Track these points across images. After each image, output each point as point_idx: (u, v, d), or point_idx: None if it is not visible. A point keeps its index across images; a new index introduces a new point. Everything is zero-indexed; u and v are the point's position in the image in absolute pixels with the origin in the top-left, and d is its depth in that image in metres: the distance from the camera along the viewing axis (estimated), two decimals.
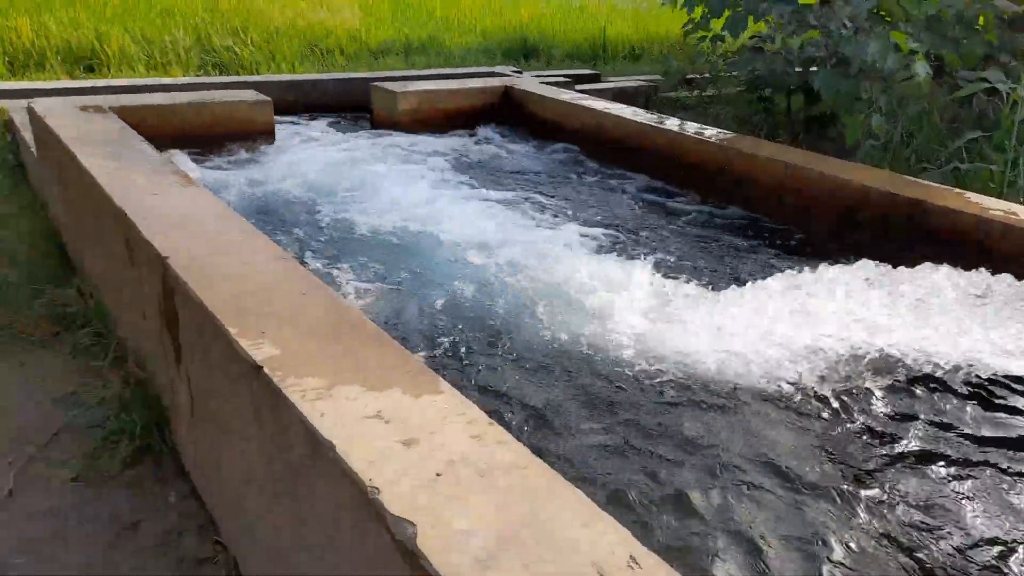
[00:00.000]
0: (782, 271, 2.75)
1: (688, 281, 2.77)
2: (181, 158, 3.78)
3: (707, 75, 6.46)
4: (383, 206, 3.51)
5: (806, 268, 2.72)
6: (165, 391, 2.05)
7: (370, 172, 3.90)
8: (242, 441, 1.50)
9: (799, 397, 2.19)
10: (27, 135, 3.83)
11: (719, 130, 4.16)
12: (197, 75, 6.58)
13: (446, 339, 2.46)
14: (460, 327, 2.52)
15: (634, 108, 4.57)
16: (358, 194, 3.67)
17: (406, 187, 3.70)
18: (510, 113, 5.11)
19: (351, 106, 5.63)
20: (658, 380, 2.23)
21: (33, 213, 3.54)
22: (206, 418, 1.73)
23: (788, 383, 2.24)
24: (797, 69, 5.16)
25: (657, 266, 2.91)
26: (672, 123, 4.16)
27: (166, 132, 3.57)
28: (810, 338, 2.38)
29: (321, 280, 1.74)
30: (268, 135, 4.08)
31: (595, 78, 6.90)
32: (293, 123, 5.10)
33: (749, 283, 2.71)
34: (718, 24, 5.43)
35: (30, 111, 3.30)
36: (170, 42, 7.06)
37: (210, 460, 1.79)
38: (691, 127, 4.03)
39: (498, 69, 6.76)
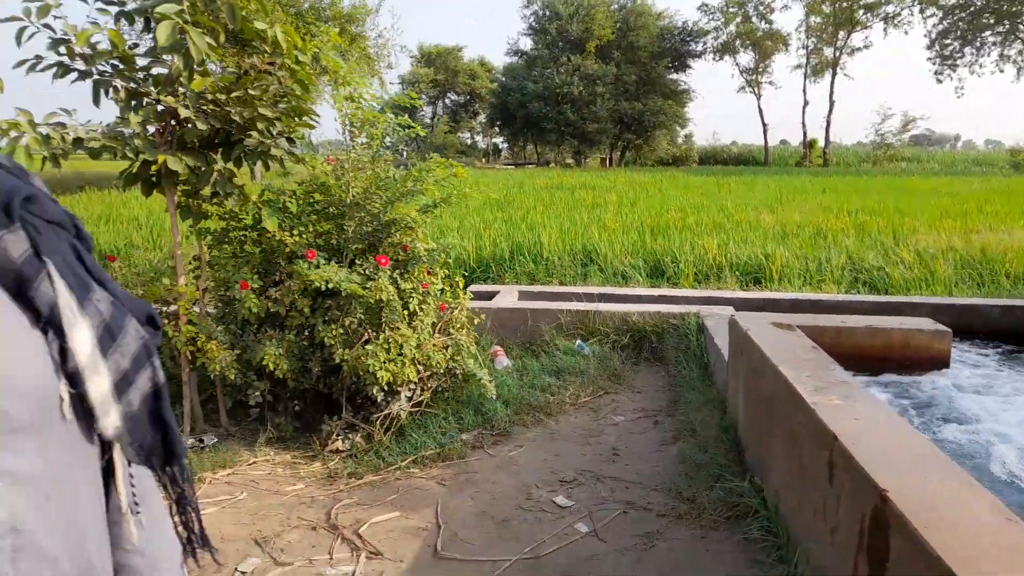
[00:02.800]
0: None
1: None
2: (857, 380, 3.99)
3: None
4: None
5: None
6: None
7: None
8: None
9: None
10: (717, 339, 4.63)
11: None
12: (848, 291, 6.92)
13: None
14: None
15: None
16: None
17: None
18: None
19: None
20: None
21: (714, 406, 4.20)
22: None
23: None
24: None
25: None
26: None
27: (840, 351, 3.85)
28: None
29: None
30: (941, 364, 3.99)
31: None
32: (954, 348, 4.86)
33: None
34: None
35: (732, 322, 4.00)
36: (824, 260, 7.66)
37: None
38: None
39: None
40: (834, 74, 44.88)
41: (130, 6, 2.98)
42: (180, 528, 0.87)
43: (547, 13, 47.20)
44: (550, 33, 46.78)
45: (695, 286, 7.12)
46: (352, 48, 24.61)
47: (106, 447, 0.75)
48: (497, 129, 58.51)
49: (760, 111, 47.98)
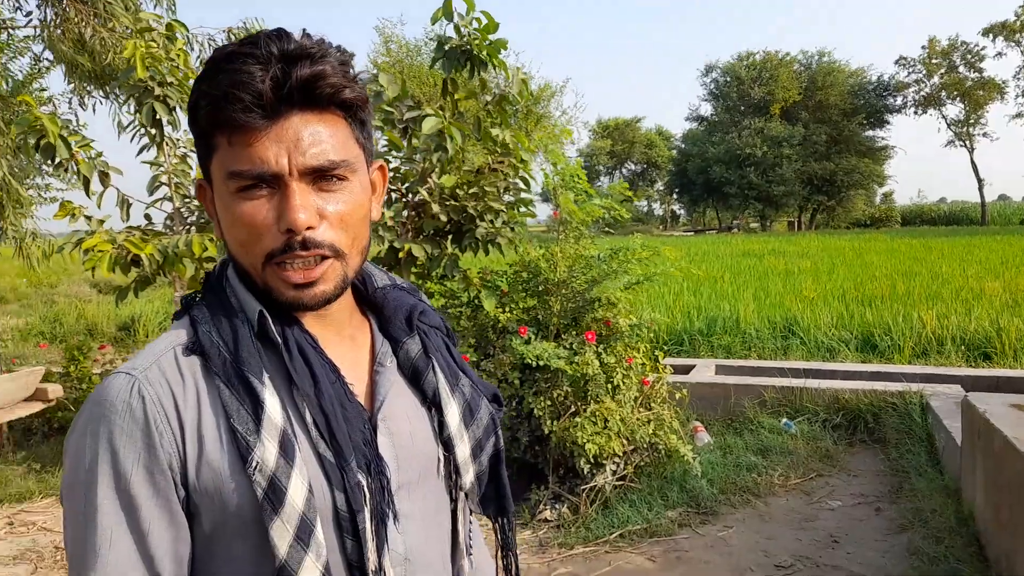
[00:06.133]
0: None
1: None
2: None
3: None
4: None
5: None
6: None
7: None
8: None
9: None
10: (946, 421, 4.28)
11: None
12: None
13: None
14: None
15: None
16: None
17: None
18: None
19: None
20: None
21: (945, 494, 3.86)
22: None
23: None
24: None
25: None
26: None
27: None
28: None
29: None
30: None
31: None
32: None
33: None
34: None
35: (964, 403, 3.70)
36: None
37: None
38: None
39: None
40: None
41: (397, 116, 3.51)
42: (501, 569, 1.04)
43: (727, 78, 46.87)
44: (731, 98, 46.30)
45: (913, 362, 6.60)
46: (538, 128, 25.96)
47: (455, 498, 0.96)
48: (675, 196, 58.22)
49: (973, 165, 43.70)
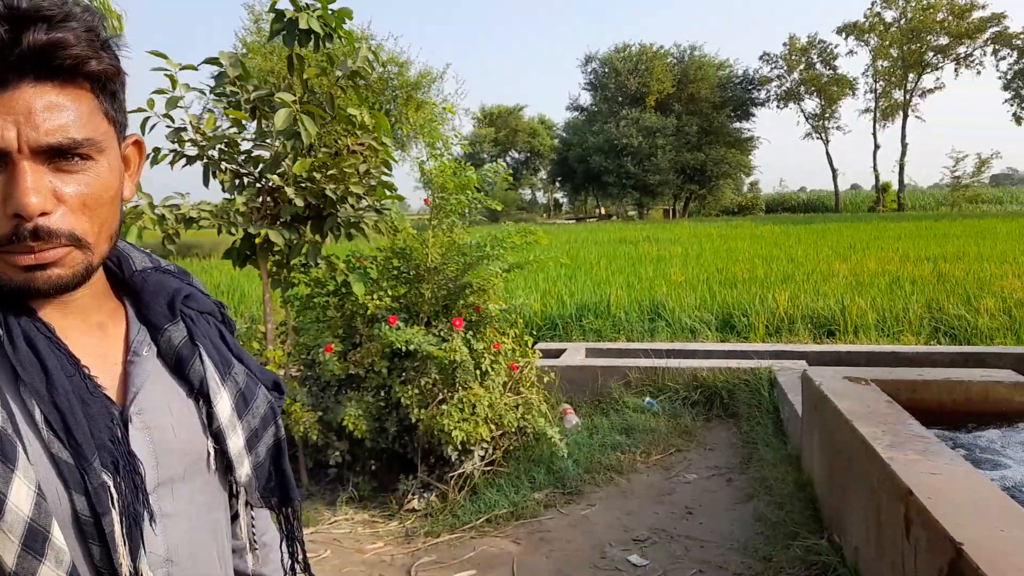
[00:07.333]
0: None
1: None
2: (932, 434, 3.89)
3: None
4: None
5: None
6: None
7: None
8: None
9: None
10: (790, 394, 4.59)
11: None
12: (927, 342, 6.72)
13: None
14: None
15: None
16: None
17: None
18: None
19: None
20: None
21: (788, 463, 4.15)
22: None
23: None
24: None
25: None
26: None
27: (917, 406, 3.77)
28: None
29: None
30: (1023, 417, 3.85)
31: None
32: None
33: None
34: None
35: (804, 377, 3.98)
36: (902, 310, 7.47)
37: None
38: None
39: None
40: (905, 116, 43.96)
41: (243, 96, 3.34)
42: (287, 557, 1.02)
43: (605, 69, 48.13)
44: (609, 88, 47.59)
45: (766, 340, 7.05)
46: (418, 115, 25.66)
47: (232, 492, 0.92)
48: (558, 184, 59.36)
49: (828, 156, 47.27)
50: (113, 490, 0.71)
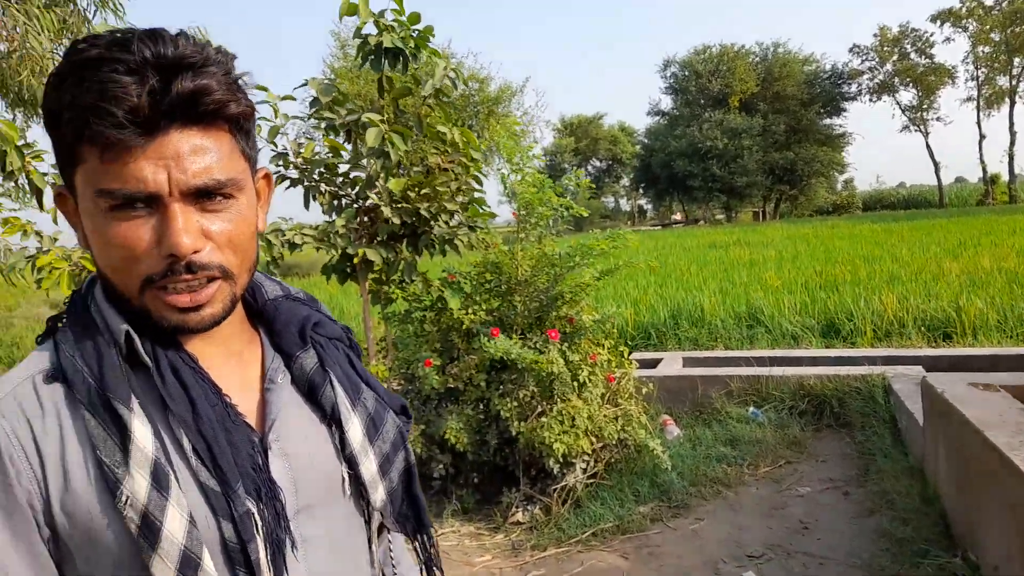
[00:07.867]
0: None
1: None
2: None
3: None
4: None
5: None
6: None
7: None
8: None
9: None
10: (907, 402, 4.32)
11: None
12: None
13: None
14: None
15: None
16: None
17: None
18: None
19: None
20: None
21: (910, 475, 3.90)
22: None
23: None
24: None
25: None
26: None
27: None
28: None
29: None
30: None
31: None
32: None
33: None
34: None
35: (924, 384, 3.74)
36: None
37: None
38: None
39: None
40: (1012, 103, 41.13)
41: (338, 121, 3.46)
42: None
43: (685, 72, 47.30)
44: (690, 91, 46.73)
45: (875, 345, 6.68)
46: (500, 128, 25.93)
47: (369, 518, 0.91)
48: (641, 191, 58.63)
49: (929, 149, 44.71)
50: (257, 517, 0.73)
